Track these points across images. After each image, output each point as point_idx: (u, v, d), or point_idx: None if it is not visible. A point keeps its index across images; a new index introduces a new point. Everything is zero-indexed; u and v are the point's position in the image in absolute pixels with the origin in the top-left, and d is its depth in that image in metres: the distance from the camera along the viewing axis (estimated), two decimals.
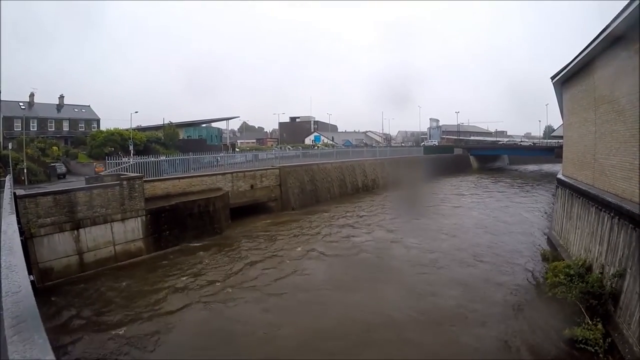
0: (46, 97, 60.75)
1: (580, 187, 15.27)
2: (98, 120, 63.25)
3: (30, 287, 3.71)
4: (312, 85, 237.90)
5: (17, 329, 2.53)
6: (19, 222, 11.65)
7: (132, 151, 41.29)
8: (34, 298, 3.31)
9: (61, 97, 60.51)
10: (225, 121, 73.14)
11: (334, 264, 17.77)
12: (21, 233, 11.27)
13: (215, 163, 30.57)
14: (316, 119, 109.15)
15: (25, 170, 31.86)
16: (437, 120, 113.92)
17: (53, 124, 57.39)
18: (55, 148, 44.34)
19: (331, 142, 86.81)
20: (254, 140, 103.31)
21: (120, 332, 11.41)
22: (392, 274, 16.09)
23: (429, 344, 10.68)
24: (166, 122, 60.42)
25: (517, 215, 28.20)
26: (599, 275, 11.11)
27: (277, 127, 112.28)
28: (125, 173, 21.06)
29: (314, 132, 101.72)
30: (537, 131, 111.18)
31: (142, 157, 24.76)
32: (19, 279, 3.86)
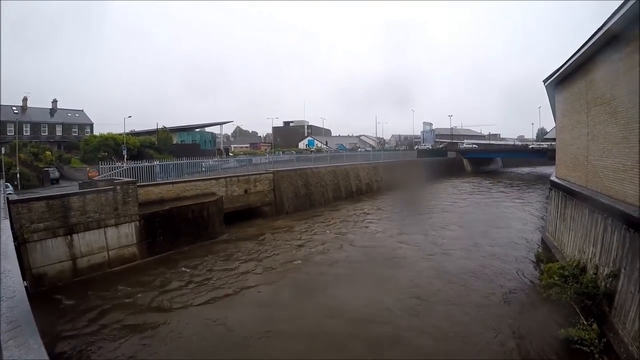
0: (39, 101, 60.67)
1: (574, 188, 15.38)
2: (91, 125, 63.09)
3: (24, 292, 3.68)
4: (306, 90, 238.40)
5: (12, 334, 2.51)
6: (12, 228, 11.53)
7: (125, 156, 41.15)
8: (28, 303, 3.29)
9: (54, 102, 60.35)
10: (219, 126, 72.95)
11: (331, 266, 17.69)
12: (14, 238, 11.16)
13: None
14: (310, 123, 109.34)
15: (18, 175, 31.69)
16: (431, 124, 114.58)
17: (46, 129, 57.19)
18: (48, 153, 44.13)
19: (325, 147, 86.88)
20: (248, 145, 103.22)
21: (114, 338, 11.31)
22: (388, 278, 16.09)
23: (421, 344, 10.70)
24: (160, 127, 60.34)
25: (511, 216, 28.36)
26: (593, 276, 11.17)
27: (270, 131, 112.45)
28: (119, 178, 20.89)
29: (308, 136, 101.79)
30: (530, 134, 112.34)
31: (136, 162, 24.66)
32: (13, 285, 3.83)
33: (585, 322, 9.89)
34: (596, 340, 9.22)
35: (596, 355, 9.00)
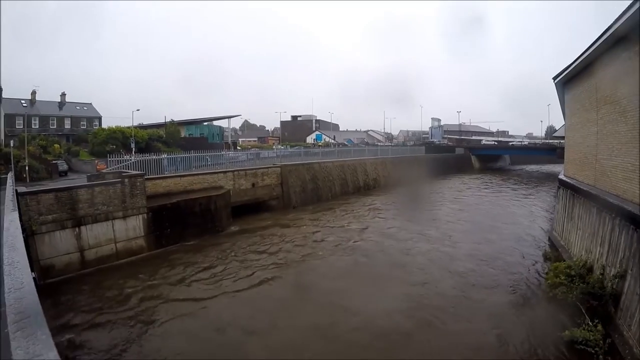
0: (48, 94, 60.99)
1: (582, 187, 15.26)
2: (100, 118, 63.34)
3: (33, 283, 3.72)
4: (314, 85, 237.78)
5: (20, 325, 2.55)
6: (20, 219, 11.66)
7: (133, 149, 41.30)
8: (36, 294, 3.32)
9: (63, 95, 60.61)
10: (227, 119, 72.89)
11: (341, 261, 17.72)
12: (23, 230, 11.27)
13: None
14: (318, 118, 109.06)
15: (27, 168, 31.89)
16: (439, 120, 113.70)
17: (55, 122, 57.51)
18: (57, 146, 44.34)
19: (333, 141, 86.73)
20: (256, 139, 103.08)
21: (121, 330, 11.43)
22: (388, 280, 16.10)
23: (427, 342, 10.71)
24: (168, 120, 60.49)
25: (519, 212, 28.21)
26: (600, 276, 11.09)
27: (278, 125, 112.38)
28: (127, 171, 21.02)
29: (316, 130, 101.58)
30: (539, 131, 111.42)
31: (144, 155, 24.75)
32: (22, 276, 3.87)
33: (590, 323, 9.82)
34: (601, 342, 9.18)
35: (600, 357, 8.96)
